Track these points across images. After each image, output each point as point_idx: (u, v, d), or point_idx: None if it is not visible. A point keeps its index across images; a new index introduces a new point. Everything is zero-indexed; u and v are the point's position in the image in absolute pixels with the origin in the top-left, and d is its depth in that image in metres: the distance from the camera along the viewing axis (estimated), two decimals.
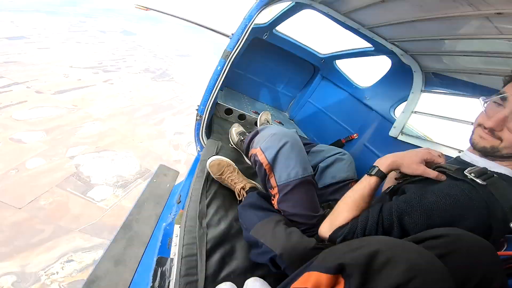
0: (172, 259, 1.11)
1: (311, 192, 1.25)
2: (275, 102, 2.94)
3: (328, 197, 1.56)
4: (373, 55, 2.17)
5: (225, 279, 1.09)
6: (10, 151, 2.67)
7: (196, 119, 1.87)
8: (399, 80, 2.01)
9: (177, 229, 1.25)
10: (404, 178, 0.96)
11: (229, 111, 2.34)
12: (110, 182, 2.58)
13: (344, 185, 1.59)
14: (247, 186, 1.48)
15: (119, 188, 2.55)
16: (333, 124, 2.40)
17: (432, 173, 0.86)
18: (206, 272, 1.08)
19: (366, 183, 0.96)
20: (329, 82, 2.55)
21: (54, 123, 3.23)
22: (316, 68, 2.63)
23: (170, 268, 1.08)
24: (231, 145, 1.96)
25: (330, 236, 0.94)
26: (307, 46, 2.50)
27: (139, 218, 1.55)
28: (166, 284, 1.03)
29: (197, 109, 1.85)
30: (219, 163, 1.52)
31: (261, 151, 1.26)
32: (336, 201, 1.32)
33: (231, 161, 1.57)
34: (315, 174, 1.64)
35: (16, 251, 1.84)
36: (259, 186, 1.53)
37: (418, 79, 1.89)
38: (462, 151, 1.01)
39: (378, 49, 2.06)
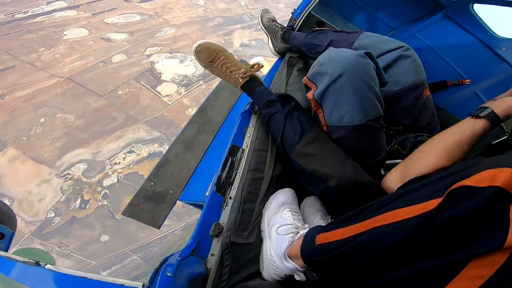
0: (243, 150, 0.92)
1: (373, 137, 0.83)
2: (371, 28, 2.36)
3: (392, 113, 0.98)
4: None
5: (288, 185, 0.87)
6: (100, 47, 2.56)
7: (290, 22, 1.63)
8: None
9: (253, 119, 1.03)
10: None
11: (320, 24, 2.00)
12: (176, 80, 2.30)
13: (417, 96, 0.97)
14: (247, 74, 1.01)
15: (183, 86, 2.26)
16: (441, 64, 1.92)
17: None
18: (273, 172, 0.89)
19: (468, 126, 0.61)
20: (453, 23, 1.96)
21: (138, 27, 2.99)
22: (439, 5, 2.01)
23: (240, 160, 0.90)
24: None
25: (399, 188, 0.62)
26: None
27: (215, 104, 1.38)
28: (233, 176, 0.86)
29: (292, 13, 1.60)
30: (208, 47, 1.03)
31: (309, 81, 0.85)
32: (402, 125, 0.96)
33: (224, 47, 1.09)
34: None
35: (93, 138, 1.77)
36: (259, 76, 1.06)
37: None
38: None
39: None
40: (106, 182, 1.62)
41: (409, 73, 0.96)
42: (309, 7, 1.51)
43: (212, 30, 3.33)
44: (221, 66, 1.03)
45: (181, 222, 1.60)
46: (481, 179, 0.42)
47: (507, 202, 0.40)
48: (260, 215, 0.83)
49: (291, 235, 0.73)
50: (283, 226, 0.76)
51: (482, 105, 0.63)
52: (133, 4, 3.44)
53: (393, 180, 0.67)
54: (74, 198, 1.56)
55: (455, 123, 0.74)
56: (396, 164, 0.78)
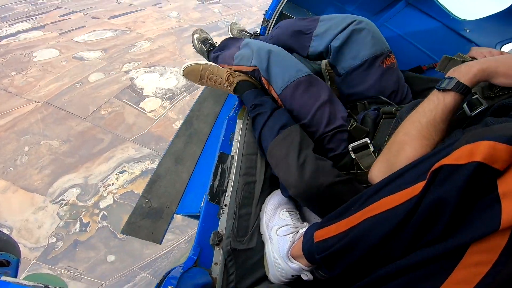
0: (232, 157, 0.90)
1: (316, 86, 0.90)
2: None
3: (355, 88, 1.00)
4: None
5: None
6: (74, 67, 2.44)
7: (263, 24, 1.62)
8: None
9: (239, 124, 1.02)
10: (498, 94, 0.57)
11: None
12: (159, 94, 2.25)
13: (376, 67, 0.96)
14: (235, 80, 1.05)
15: (167, 100, 2.21)
16: (413, 50, 1.93)
17: None
18: (266, 174, 0.88)
19: (438, 101, 0.55)
20: (416, 10, 1.97)
21: (111, 43, 2.87)
22: None
23: (230, 167, 0.87)
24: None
25: None
26: None
27: (199, 115, 1.35)
28: (225, 183, 0.84)
29: (264, 14, 1.59)
30: (192, 69, 1.08)
31: (254, 68, 0.99)
32: (367, 98, 0.96)
33: (206, 62, 1.13)
34: (331, 56, 1.03)
35: (81, 162, 1.71)
36: (248, 78, 1.08)
37: None
38: None
39: None
40: (103, 204, 1.58)
41: (366, 46, 0.95)
42: (280, 7, 1.50)
43: (189, 40, 3.27)
44: (209, 80, 1.09)
45: (185, 235, 1.59)
46: (460, 155, 0.38)
47: (493, 178, 0.36)
48: (258, 218, 0.81)
49: (291, 235, 0.71)
50: (282, 227, 0.74)
51: (447, 74, 0.57)
52: (102, 21, 3.28)
53: (379, 176, 0.61)
54: (73, 222, 1.51)
55: (421, 83, 0.80)
56: (362, 145, 0.77)
